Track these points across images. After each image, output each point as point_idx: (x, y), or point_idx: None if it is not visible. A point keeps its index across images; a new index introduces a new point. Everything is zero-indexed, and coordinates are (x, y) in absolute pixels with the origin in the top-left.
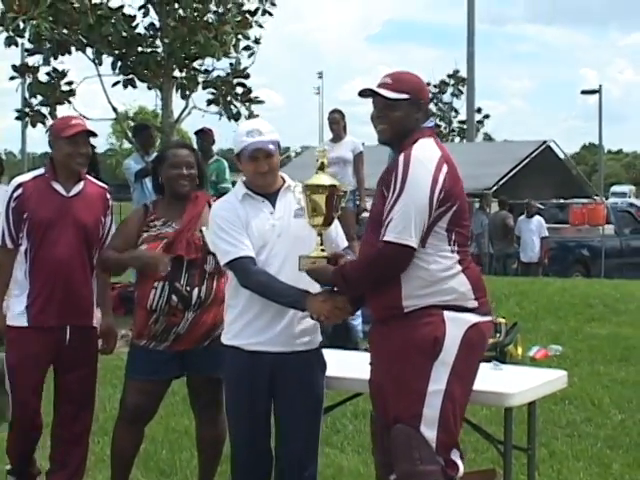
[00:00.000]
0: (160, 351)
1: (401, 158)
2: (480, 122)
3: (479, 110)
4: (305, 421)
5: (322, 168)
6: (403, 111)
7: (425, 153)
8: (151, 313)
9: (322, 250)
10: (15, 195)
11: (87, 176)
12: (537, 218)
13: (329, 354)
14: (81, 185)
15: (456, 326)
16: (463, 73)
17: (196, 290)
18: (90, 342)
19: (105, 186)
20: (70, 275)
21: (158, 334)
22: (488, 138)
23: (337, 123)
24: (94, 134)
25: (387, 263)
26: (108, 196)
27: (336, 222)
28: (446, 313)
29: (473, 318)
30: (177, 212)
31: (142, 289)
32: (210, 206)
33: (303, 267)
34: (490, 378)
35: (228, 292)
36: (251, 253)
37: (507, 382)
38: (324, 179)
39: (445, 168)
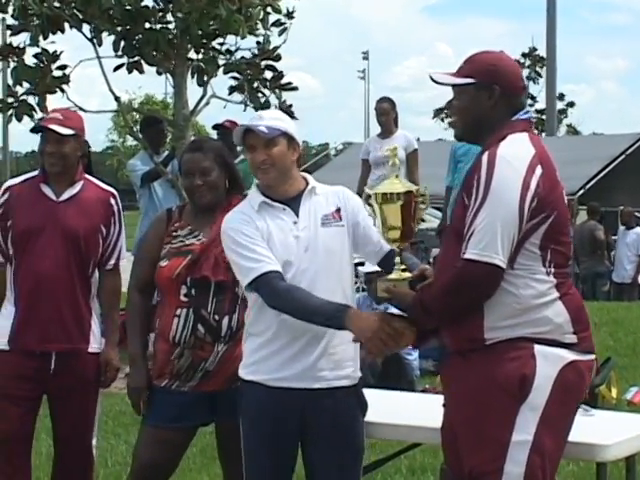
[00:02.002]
0: (185, 392)
1: (484, 158)
2: (563, 111)
3: (561, 97)
4: (342, 475)
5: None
6: (468, 99)
7: (514, 151)
8: (174, 346)
9: (403, 270)
10: (1, 201)
11: (89, 177)
12: (636, 230)
13: (379, 395)
14: (77, 188)
15: (549, 363)
16: (541, 51)
17: (226, 319)
18: (83, 371)
19: (110, 189)
20: (57, 292)
21: (183, 371)
22: (573, 131)
23: (386, 114)
24: (61, 134)
25: (469, 286)
26: (113, 201)
27: (370, 221)
28: (537, 347)
29: (570, 355)
30: (206, 220)
31: (163, 317)
32: None
33: (382, 293)
34: (578, 426)
35: (249, 318)
36: (278, 267)
37: (599, 431)
38: (397, 185)
39: (539, 170)
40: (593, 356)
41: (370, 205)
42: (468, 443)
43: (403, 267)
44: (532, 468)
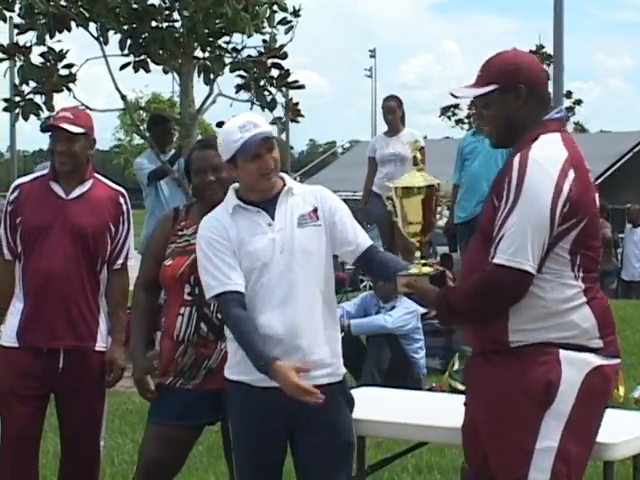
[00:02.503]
0: (189, 390)
1: (516, 160)
2: (570, 109)
3: (569, 94)
4: (332, 471)
5: (416, 163)
6: (495, 106)
7: (546, 153)
8: (178, 344)
9: (424, 265)
10: (12, 198)
11: (98, 176)
12: None
13: (385, 394)
14: (86, 186)
15: (575, 369)
16: (549, 49)
17: None
18: (90, 370)
19: (119, 189)
20: (65, 290)
21: (186, 369)
22: (580, 129)
23: (393, 112)
24: (72, 133)
25: (498, 291)
26: (122, 200)
27: (348, 213)
28: (562, 352)
29: (596, 360)
30: None
31: (168, 316)
32: None
33: (402, 288)
34: None
35: None
36: (239, 288)
37: (606, 430)
38: (418, 179)
39: (572, 173)
40: (619, 360)
41: (390, 199)
42: (491, 446)
43: (423, 262)
44: (557, 475)
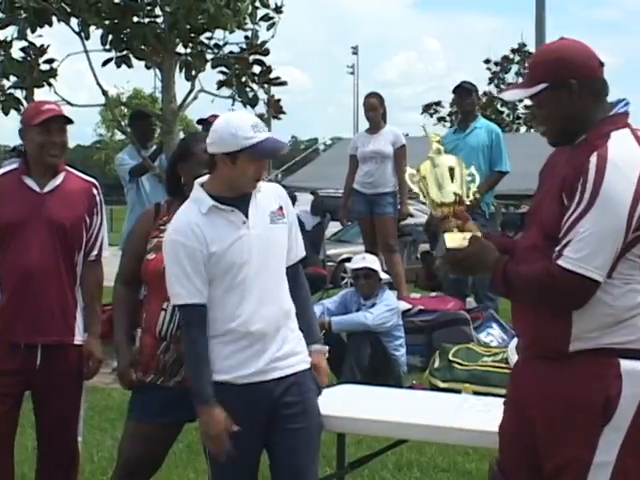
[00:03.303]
0: (170, 388)
1: (593, 160)
2: None
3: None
4: (310, 452)
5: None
6: (549, 104)
7: (625, 155)
8: (160, 341)
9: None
10: None
11: (69, 168)
12: None
13: (366, 391)
14: (59, 179)
15: (635, 382)
16: (531, 47)
17: None
18: (68, 365)
19: (91, 180)
20: (42, 284)
21: (168, 366)
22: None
23: (374, 109)
24: (70, 121)
25: (561, 295)
26: (95, 191)
27: (295, 226)
28: (623, 364)
29: None
30: None
31: (149, 311)
32: None
33: (451, 244)
34: None
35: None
36: (204, 300)
37: None
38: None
39: None
40: None
41: (415, 183)
42: (545, 458)
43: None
44: None
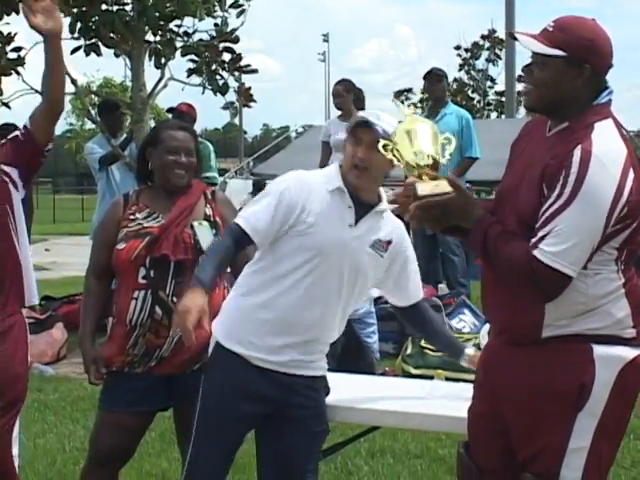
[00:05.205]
0: (140, 375)
1: (577, 153)
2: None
3: (520, 79)
4: (315, 456)
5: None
6: (554, 72)
7: (608, 150)
8: (131, 330)
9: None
10: None
11: None
12: None
13: (338, 378)
14: None
15: (607, 367)
16: (501, 34)
17: None
18: None
19: None
20: None
21: (137, 359)
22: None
23: (340, 96)
24: None
25: (533, 285)
26: None
27: (411, 264)
28: (596, 350)
29: (629, 353)
30: (165, 203)
31: (120, 301)
32: (207, 197)
33: (423, 192)
34: None
35: (246, 278)
36: (255, 238)
37: None
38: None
39: (632, 173)
40: None
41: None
42: (519, 441)
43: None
44: (589, 472)
